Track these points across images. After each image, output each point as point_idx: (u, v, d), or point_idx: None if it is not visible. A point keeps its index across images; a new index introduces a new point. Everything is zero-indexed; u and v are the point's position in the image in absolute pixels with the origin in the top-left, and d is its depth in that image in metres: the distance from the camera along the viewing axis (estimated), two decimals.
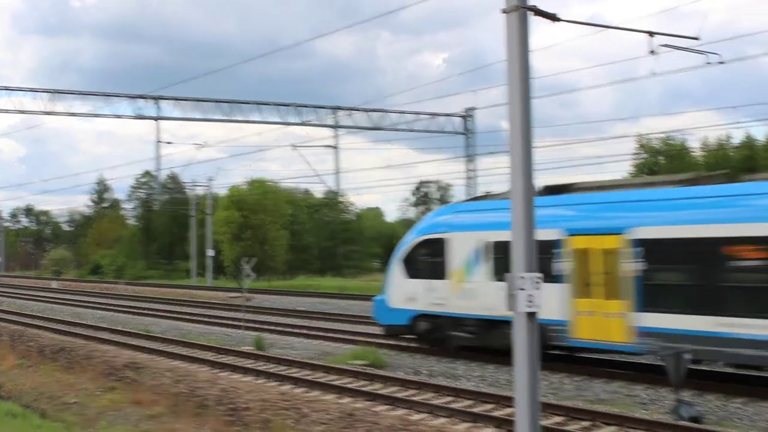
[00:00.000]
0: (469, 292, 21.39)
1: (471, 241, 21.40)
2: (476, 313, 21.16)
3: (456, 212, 23.02)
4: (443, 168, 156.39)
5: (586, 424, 14.05)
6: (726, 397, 16.25)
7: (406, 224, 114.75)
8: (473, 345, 21.37)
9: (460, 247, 21.69)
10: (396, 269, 23.81)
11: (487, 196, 23.15)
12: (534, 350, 9.58)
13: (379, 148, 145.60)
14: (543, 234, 19.57)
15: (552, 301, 18.06)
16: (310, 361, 21.55)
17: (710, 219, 16.93)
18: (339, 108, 43.39)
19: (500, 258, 20.12)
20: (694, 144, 63.07)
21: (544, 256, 18.65)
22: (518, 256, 9.69)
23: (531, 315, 9.58)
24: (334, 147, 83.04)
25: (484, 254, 21.09)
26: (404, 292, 23.28)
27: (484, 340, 21.07)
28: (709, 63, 23.63)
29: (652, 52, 22.06)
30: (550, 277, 18.24)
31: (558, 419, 14.21)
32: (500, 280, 20.20)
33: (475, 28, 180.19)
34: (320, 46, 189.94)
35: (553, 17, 10.49)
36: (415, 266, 23.27)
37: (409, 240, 23.86)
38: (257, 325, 31.53)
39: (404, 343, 24.99)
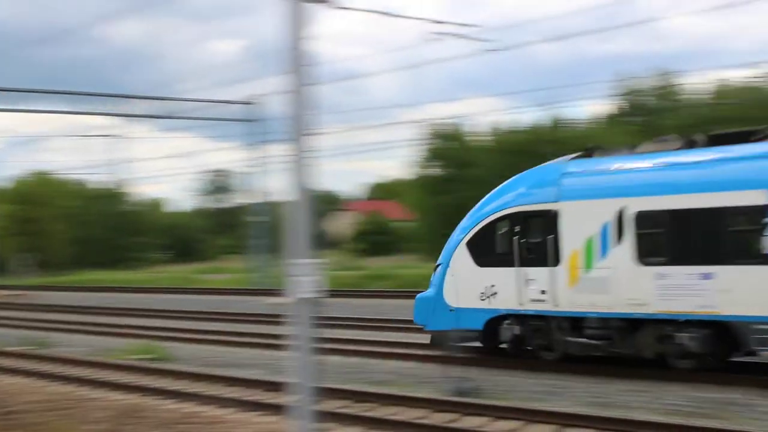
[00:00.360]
0: (598, 282, 15.63)
1: (601, 211, 15.58)
2: (613, 310, 15.50)
3: (568, 174, 16.60)
4: (235, 156, 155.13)
5: (369, 405, 14.28)
6: (510, 372, 16.59)
7: (200, 214, 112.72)
8: (601, 354, 15.89)
9: (582, 220, 15.86)
10: (460, 255, 17.53)
11: (604, 150, 17.30)
12: (310, 334, 9.63)
13: (168, 137, 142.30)
14: (740, 198, 14.03)
15: (759, 291, 13.84)
16: (93, 359, 20.75)
17: None
18: (125, 96, 41.96)
19: (652, 234, 15.23)
20: (476, 129, 65.07)
21: (743, 228, 14.27)
22: (297, 241, 9.66)
23: (308, 300, 9.62)
24: (121, 136, 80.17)
25: (624, 229, 15.34)
26: (476, 287, 17.20)
27: (622, 346, 15.56)
28: (488, 50, 24.80)
29: (431, 39, 22.90)
30: (754, 257, 14.00)
31: (341, 402, 14.35)
32: (652, 264, 14.97)
33: (269, 14, 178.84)
34: (110, 31, 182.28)
35: (328, 3, 10.56)
36: (494, 250, 17.26)
37: (484, 214, 17.60)
38: (39, 324, 30.07)
39: (190, 336, 24.61)
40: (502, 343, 17.47)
